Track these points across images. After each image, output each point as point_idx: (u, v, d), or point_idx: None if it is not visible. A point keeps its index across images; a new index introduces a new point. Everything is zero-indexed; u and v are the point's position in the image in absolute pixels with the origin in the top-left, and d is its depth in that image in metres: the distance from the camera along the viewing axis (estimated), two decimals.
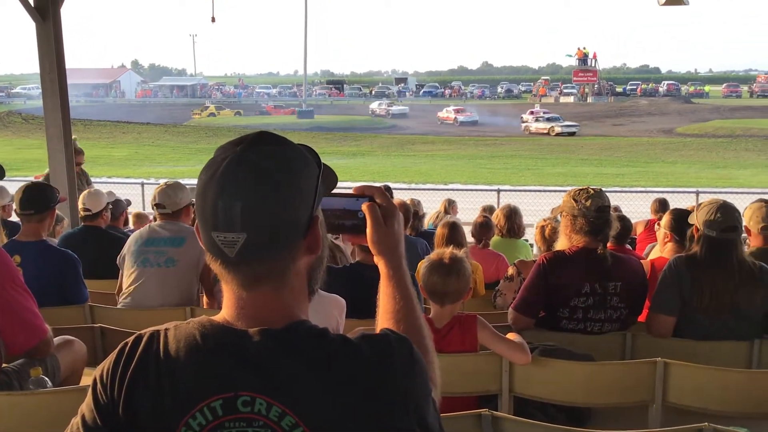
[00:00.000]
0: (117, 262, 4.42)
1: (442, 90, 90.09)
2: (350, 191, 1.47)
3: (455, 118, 53.91)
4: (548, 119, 48.81)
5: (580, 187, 3.41)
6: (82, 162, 8.16)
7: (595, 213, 3.28)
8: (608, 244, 5.22)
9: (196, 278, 4.31)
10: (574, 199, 3.33)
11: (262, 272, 1.21)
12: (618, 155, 34.49)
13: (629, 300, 3.32)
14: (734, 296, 3.18)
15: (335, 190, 1.43)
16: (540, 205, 12.20)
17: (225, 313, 1.24)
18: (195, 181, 1.28)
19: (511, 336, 2.92)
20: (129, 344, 1.25)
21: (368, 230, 1.43)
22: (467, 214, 9.59)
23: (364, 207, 1.43)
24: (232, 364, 1.17)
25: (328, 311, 2.97)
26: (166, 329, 1.24)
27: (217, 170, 1.19)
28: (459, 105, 61.13)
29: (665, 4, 9.08)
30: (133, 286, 4.21)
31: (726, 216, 3.23)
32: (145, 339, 1.24)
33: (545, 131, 45.97)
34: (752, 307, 3.20)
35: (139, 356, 1.22)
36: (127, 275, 4.27)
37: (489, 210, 7.72)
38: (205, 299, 4.40)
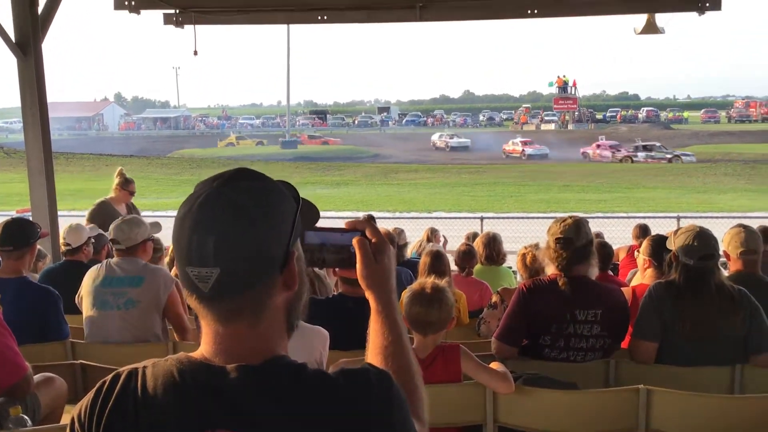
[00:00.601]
0: (75, 301, 4.31)
1: (425, 119, 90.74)
2: (342, 226, 1.48)
3: (522, 150, 49.78)
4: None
5: (559, 217, 3.44)
6: (134, 192, 7.84)
7: (555, 244, 3.31)
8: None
9: (158, 316, 4.18)
10: (549, 229, 3.38)
11: (237, 307, 1.20)
12: (599, 181, 34.76)
13: (611, 327, 3.34)
14: (714, 321, 3.21)
15: (326, 225, 1.44)
16: (523, 232, 12.25)
17: (203, 349, 1.24)
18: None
19: (494, 365, 2.92)
20: (107, 383, 1.24)
21: (358, 265, 1.43)
22: (452, 242, 9.61)
23: (355, 241, 1.43)
24: (210, 402, 1.17)
25: (310, 343, 2.96)
26: (144, 367, 1.24)
27: (192, 205, 1.20)
28: (524, 137, 57.24)
29: (642, 32, 9.26)
30: (92, 330, 4.11)
31: (703, 243, 3.27)
32: (123, 377, 1.23)
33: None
34: (732, 331, 3.23)
35: (117, 395, 1.21)
36: (86, 318, 4.14)
37: (473, 237, 7.75)
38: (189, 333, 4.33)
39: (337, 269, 1.58)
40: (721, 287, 3.26)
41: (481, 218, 13.04)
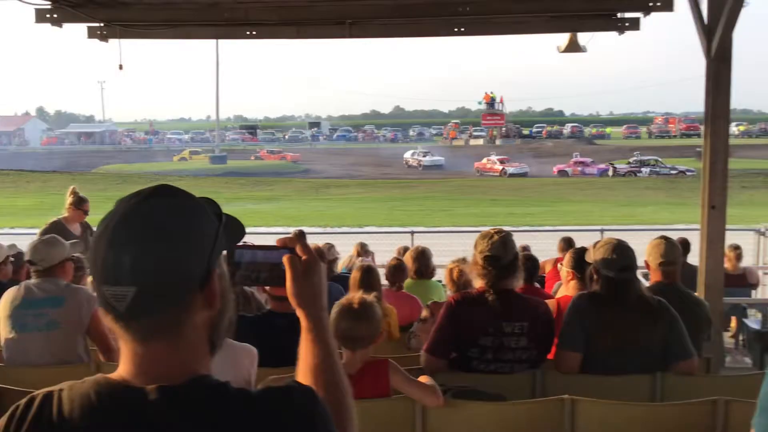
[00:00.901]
0: None
1: (356, 134, 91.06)
2: (273, 242, 1.47)
3: (502, 169, 48.30)
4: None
5: (485, 232, 3.48)
6: (88, 211, 7.64)
7: (484, 261, 3.36)
8: (520, 284, 5.38)
9: (81, 337, 4.06)
10: (475, 245, 3.43)
11: (154, 327, 1.18)
12: (527, 195, 35.51)
13: (537, 339, 3.40)
14: (636, 331, 3.32)
15: (257, 241, 1.42)
16: (453, 246, 12.37)
17: (122, 370, 1.20)
18: None
19: (422, 379, 2.94)
20: (20, 407, 1.19)
21: (288, 283, 1.42)
22: (384, 257, 9.64)
23: (285, 259, 1.42)
24: (128, 424, 1.14)
25: (238, 361, 2.92)
26: (61, 390, 1.19)
27: (109, 223, 1.18)
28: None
29: (565, 50, 9.53)
30: (12, 353, 3.95)
31: (621, 256, 3.38)
32: (37, 401, 1.19)
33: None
34: (653, 341, 3.34)
35: (32, 419, 1.17)
36: (4, 340, 3.99)
37: (404, 252, 7.79)
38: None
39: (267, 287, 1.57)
40: (641, 298, 3.37)
41: (412, 232, 13.09)
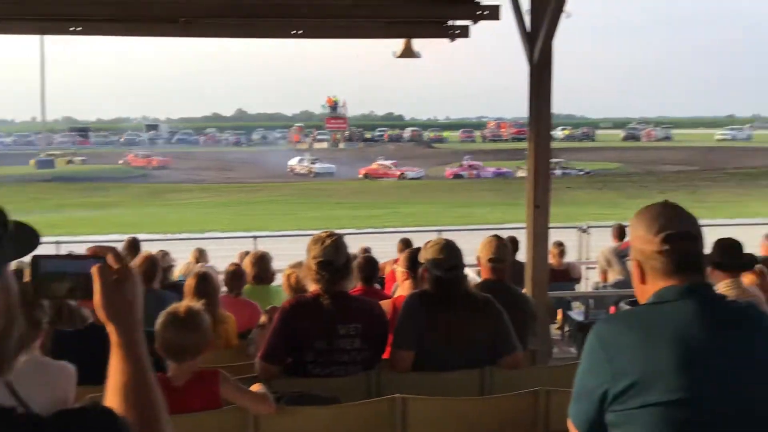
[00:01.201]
0: None
1: (197, 137, 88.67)
2: (85, 252, 1.37)
3: (400, 174, 47.17)
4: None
5: (317, 236, 3.46)
6: None
7: (317, 266, 3.34)
8: (358, 286, 5.42)
9: None
10: (308, 249, 3.41)
11: None
12: (370, 198, 36.09)
13: (371, 340, 3.42)
14: (464, 328, 3.43)
15: (68, 252, 1.31)
16: (297, 250, 12.30)
17: None
18: None
19: (254, 387, 2.87)
20: None
21: (95, 295, 1.32)
22: (226, 263, 9.41)
23: (94, 269, 1.32)
24: None
25: (54, 381, 2.70)
26: None
27: None
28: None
29: (401, 56, 9.72)
30: None
31: (449, 255, 3.48)
32: None
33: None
34: (481, 336, 3.46)
35: None
36: None
37: (245, 257, 7.64)
38: None
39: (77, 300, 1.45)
40: (469, 295, 3.49)
41: (254, 237, 12.92)
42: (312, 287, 3.39)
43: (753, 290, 4.43)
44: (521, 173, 45.85)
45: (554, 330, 8.84)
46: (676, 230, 1.98)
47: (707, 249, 4.49)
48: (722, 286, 4.26)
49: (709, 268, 4.42)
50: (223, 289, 5.49)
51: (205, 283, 4.68)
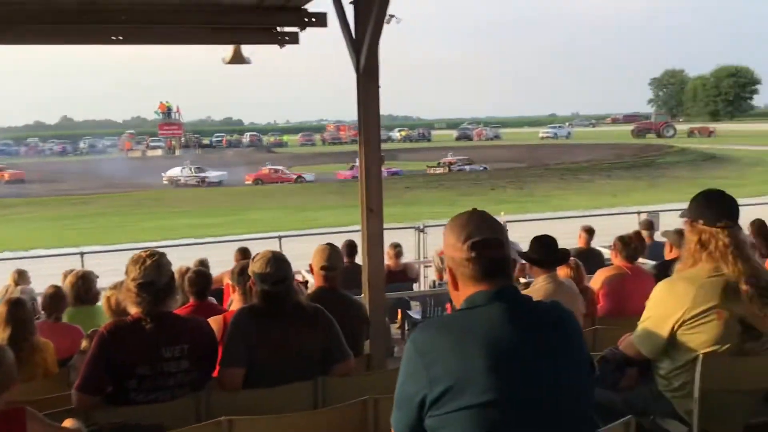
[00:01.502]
0: None
1: (17, 148, 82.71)
2: None
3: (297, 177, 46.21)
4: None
5: (136, 257, 3.30)
6: None
7: (137, 288, 3.20)
8: (191, 301, 5.24)
9: None
10: (126, 272, 3.24)
11: None
12: (211, 205, 35.18)
13: (199, 360, 3.31)
14: (295, 340, 3.40)
15: None
16: None
17: None
18: None
19: (67, 423, 2.68)
20: None
21: None
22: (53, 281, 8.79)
23: None
24: None
25: None
26: None
27: None
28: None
29: (230, 62, 9.53)
30: None
31: (276, 269, 3.44)
32: None
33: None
34: (312, 347, 3.45)
35: None
36: None
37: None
38: None
39: None
40: (299, 307, 3.46)
41: (81, 254, 12.18)
42: (133, 310, 3.22)
43: (568, 282, 4.74)
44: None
45: (395, 329, 9.02)
46: (482, 237, 2.06)
47: (526, 245, 4.77)
48: (540, 281, 4.53)
49: (527, 264, 4.68)
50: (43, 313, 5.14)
51: (16, 310, 4.35)
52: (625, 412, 2.71)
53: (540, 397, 1.97)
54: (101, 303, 5.83)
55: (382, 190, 6.02)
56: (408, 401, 2.00)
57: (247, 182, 46.57)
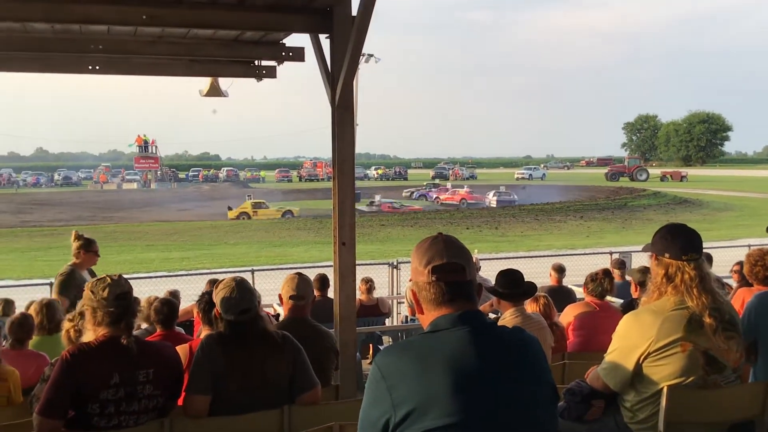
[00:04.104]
0: None
1: None
2: None
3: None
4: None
5: (98, 278, 3.28)
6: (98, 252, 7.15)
7: (113, 302, 3.18)
8: (158, 330, 5.19)
9: None
10: (92, 291, 3.21)
11: None
12: (183, 239, 34.90)
13: (164, 385, 3.27)
14: (262, 368, 3.37)
15: None
16: None
17: None
18: None
19: None
20: None
21: None
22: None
23: None
24: None
25: None
26: None
27: None
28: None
29: (207, 95, 9.58)
30: None
31: (241, 299, 3.42)
32: None
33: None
34: (279, 375, 3.42)
35: None
36: None
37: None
38: None
39: None
40: (266, 335, 3.44)
41: (50, 284, 11.99)
42: (99, 332, 3.18)
43: (535, 316, 4.76)
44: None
45: (366, 365, 8.97)
46: (443, 261, 2.08)
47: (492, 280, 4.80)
48: (508, 315, 4.55)
49: (495, 298, 4.71)
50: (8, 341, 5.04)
51: None
52: None
53: (502, 420, 1.97)
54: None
55: (354, 225, 6.05)
56: (372, 425, 2.00)
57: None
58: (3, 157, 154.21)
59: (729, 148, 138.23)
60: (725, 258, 12.10)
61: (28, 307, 6.94)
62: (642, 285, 5.16)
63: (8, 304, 7.64)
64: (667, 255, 3.12)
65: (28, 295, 12.07)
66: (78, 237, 7.10)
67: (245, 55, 7.54)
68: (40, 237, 36.50)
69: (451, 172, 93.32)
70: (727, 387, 3.10)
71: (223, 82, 9.41)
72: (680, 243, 3.12)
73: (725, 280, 6.65)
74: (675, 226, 3.23)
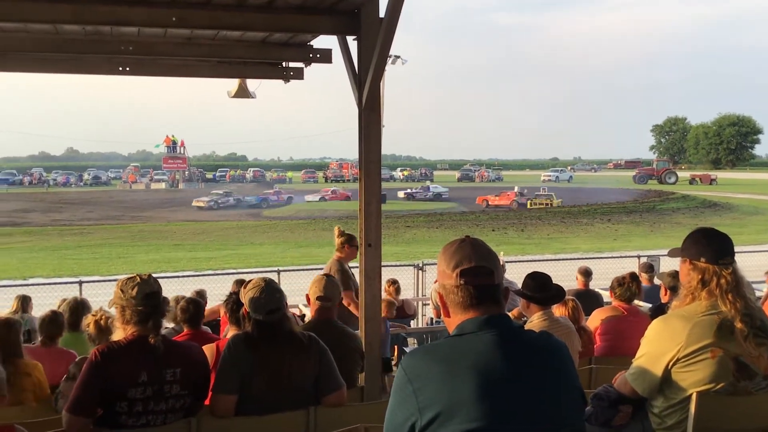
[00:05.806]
0: None
1: (21, 177, 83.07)
2: None
3: None
4: None
5: (129, 276, 3.32)
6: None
7: (142, 301, 3.21)
8: (185, 330, 5.23)
9: None
10: (121, 290, 3.24)
11: None
12: (210, 239, 35.17)
13: (191, 385, 3.29)
14: (288, 369, 3.38)
15: None
16: None
17: None
18: None
19: None
20: None
21: None
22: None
23: None
24: None
25: None
26: None
27: None
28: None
29: (235, 96, 9.63)
30: None
31: (269, 299, 3.44)
32: None
33: None
34: (305, 376, 3.43)
35: None
36: None
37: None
38: None
39: None
40: (293, 335, 3.45)
41: (80, 282, 12.18)
42: (128, 330, 3.21)
43: (563, 320, 4.72)
44: None
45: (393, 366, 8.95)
46: (471, 265, 2.07)
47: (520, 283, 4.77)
48: (536, 318, 4.52)
49: (523, 301, 4.68)
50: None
51: (9, 332, 4.36)
52: None
53: (528, 426, 1.96)
54: None
55: (381, 226, 6.04)
56: (398, 428, 2.00)
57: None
58: (34, 157, 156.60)
59: (759, 151, 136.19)
60: (754, 262, 11.94)
61: (60, 305, 7.07)
62: (673, 290, 5.10)
63: (25, 300, 7.76)
64: (702, 259, 3.07)
65: (57, 293, 12.27)
66: (341, 233, 7.42)
67: (273, 56, 7.57)
68: (69, 236, 37.01)
69: (477, 174, 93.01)
70: (758, 394, 3.05)
71: (251, 84, 9.45)
72: (715, 247, 3.08)
73: (755, 286, 6.55)
74: (708, 230, 3.18)
